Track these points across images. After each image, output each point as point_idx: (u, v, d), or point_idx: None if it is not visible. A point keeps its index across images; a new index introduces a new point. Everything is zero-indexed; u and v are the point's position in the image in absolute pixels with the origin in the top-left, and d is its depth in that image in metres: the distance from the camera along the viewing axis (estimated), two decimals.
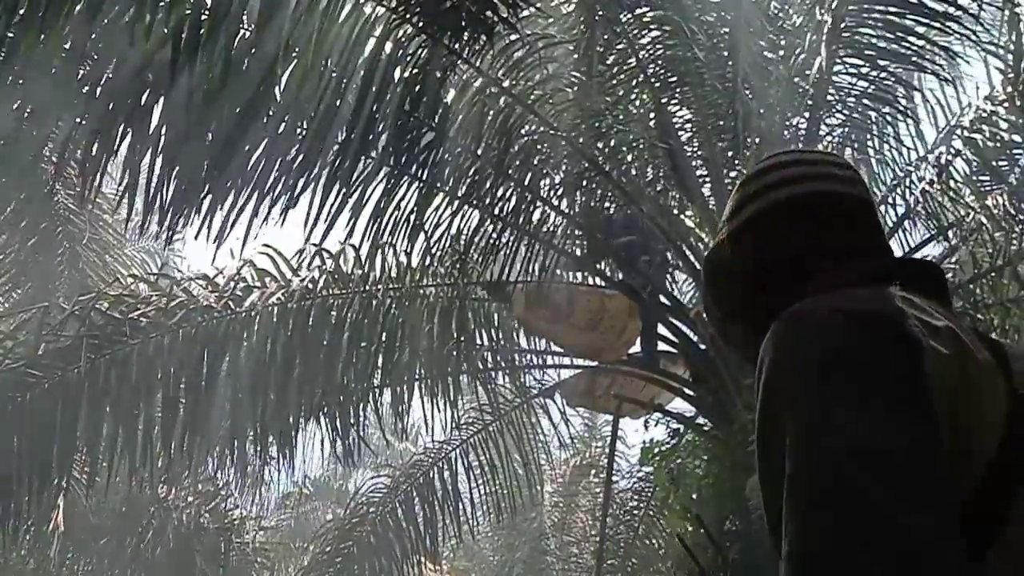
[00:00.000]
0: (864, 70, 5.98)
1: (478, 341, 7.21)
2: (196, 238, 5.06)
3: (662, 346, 6.39)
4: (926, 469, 0.88)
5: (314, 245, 6.54)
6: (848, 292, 1.05)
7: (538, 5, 5.22)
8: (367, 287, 6.70)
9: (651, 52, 6.10)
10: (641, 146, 6.27)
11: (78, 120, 4.90)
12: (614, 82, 6.22)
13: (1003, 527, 0.94)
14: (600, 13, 5.91)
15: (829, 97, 6.05)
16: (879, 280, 1.07)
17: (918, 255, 6.45)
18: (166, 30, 3.98)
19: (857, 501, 0.86)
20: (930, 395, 0.92)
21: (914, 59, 5.76)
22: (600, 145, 6.17)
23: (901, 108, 6.23)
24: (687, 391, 6.39)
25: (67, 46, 4.33)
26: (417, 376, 7.16)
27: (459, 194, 5.81)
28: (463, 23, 4.95)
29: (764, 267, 1.22)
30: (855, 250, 1.18)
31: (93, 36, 4.27)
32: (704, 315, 1.38)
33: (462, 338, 6.88)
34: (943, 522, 0.86)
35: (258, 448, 7.29)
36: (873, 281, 1.07)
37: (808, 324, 1.00)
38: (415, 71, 5.08)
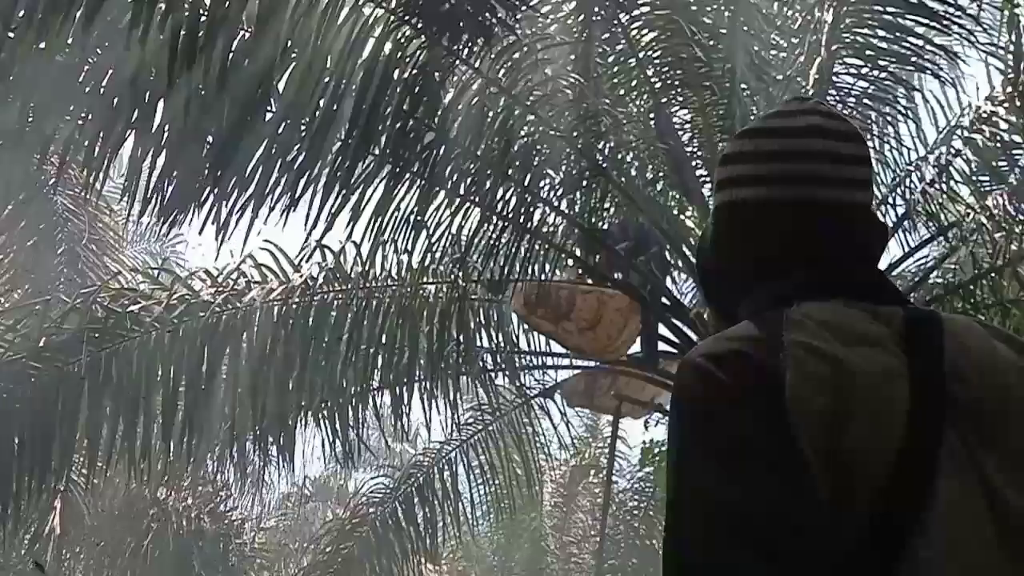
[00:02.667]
0: (864, 70, 5.98)
1: (478, 342, 7.21)
2: (201, 232, 5.06)
3: (662, 346, 6.39)
4: (779, 527, 0.89)
5: (315, 242, 6.54)
6: (743, 325, 1.04)
7: (537, 5, 5.22)
8: (367, 284, 6.71)
9: (651, 52, 6.10)
10: (641, 146, 6.27)
11: (79, 121, 4.90)
12: (614, 82, 6.22)
13: (911, 539, 0.91)
14: (598, 14, 5.91)
15: (829, 97, 6.04)
16: (798, 295, 1.05)
17: (918, 255, 6.45)
18: (163, 34, 3.98)
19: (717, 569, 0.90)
20: (789, 440, 0.91)
21: (914, 59, 5.76)
22: (600, 145, 6.17)
23: (901, 108, 6.23)
24: None
25: (67, 46, 4.33)
26: (417, 376, 7.16)
27: (459, 194, 5.81)
28: (462, 24, 4.95)
29: (706, 277, 1.25)
30: (787, 262, 1.11)
31: (94, 36, 4.27)
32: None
33: (462, 338, 6.88)
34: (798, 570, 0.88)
35: (258, 448, 7.29)
36: (788, 300, 1.05)
37: (679, 379, 1.02)
38: (415, 71, 5.07)
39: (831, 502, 0.91)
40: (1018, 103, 5.52)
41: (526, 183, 5.95)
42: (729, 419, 0.95)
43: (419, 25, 4.94)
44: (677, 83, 6.25)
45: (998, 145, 5.78)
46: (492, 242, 6.09)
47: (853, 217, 1.12)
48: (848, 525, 0.91)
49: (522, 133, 5.86)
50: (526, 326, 7.17)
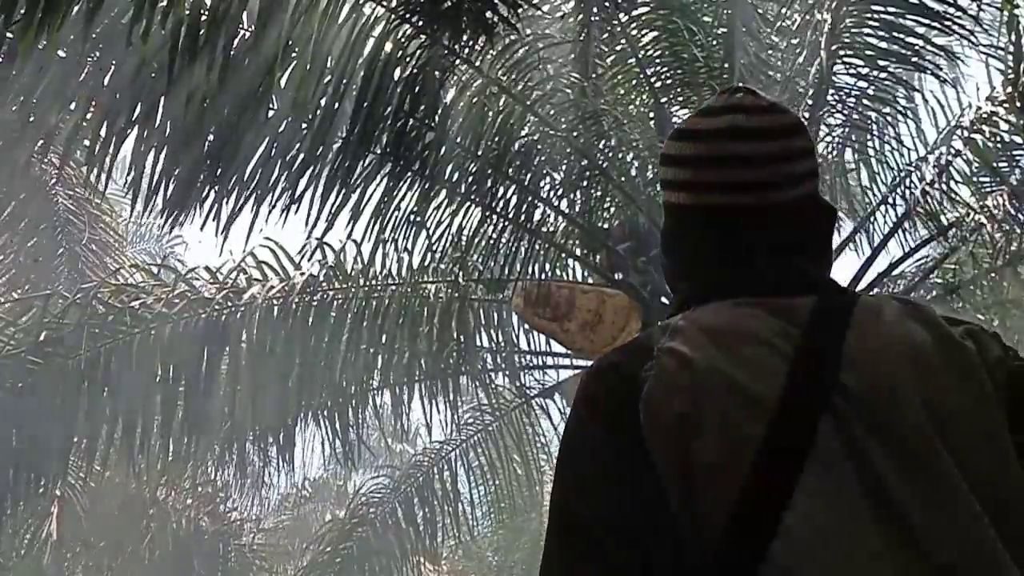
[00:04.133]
0: (864, 70, 5.98)
1: (478, 342, 7.22)
2: (203, 227, 5.06)
3: None
4: (619, 541, 0.93)
5: (316, 239, 6.55)
6: (641, 334, 1.10)
7: (537, 4, 5.22)
8: (367, 284, 6.71)
9: (651, 52, 6.10)
10: (641, 146, 6.27)
11: (80, 121, 4.90)
12: (614, 82, 6.23)
13: (758, 564, 0.89)
14: (597, 14, 5.92)
15: (829, 97, 6.04)
16: (705, 297, 1.08)
17: (918, 255, 6.45)
18: (164, 31, 3.98)
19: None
20: (641, 450, 0.94)
21: (914, 60, 5.76)
22: (600, 145, 6.17)
23: (901, 108, 6.23)
24: None
25: (67, 46, 4.33)
26: (417, 376, 7.16)
27: (459, 193, 5.81)
28: (463, 23, 4.95)
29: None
30: (698, 265, 1.15)
31: (94, 35, 4.27)
32: None
33: (462, 338, 6.88)
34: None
35: (258, 448, 7.29)
36: (696, 299, 1.08)
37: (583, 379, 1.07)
38: (415, 71, 5.08)
39: (688, 511, 0.91)
40: (1018, 103, 5.52)
41: (526, 183, 5.95)
42: (588, 431, 0.99)
43: (419, 24, 4.94)
44: (677, 83, 6.25)
45: (998, 145, 5.78)
46: (492, 242, 6.09)
47: (765, 216, 1.10)
48: (706, 535, 0.90)
49: (522, 133, 5.86)
50: (526, 326, 7.17)
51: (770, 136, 1.12)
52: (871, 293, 6.33)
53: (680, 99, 6.38)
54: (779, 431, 0.92)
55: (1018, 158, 5.89)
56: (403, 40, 5.02)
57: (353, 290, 6.80)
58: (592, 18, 5.93)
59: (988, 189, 5.94)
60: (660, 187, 1.20)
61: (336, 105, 4.90)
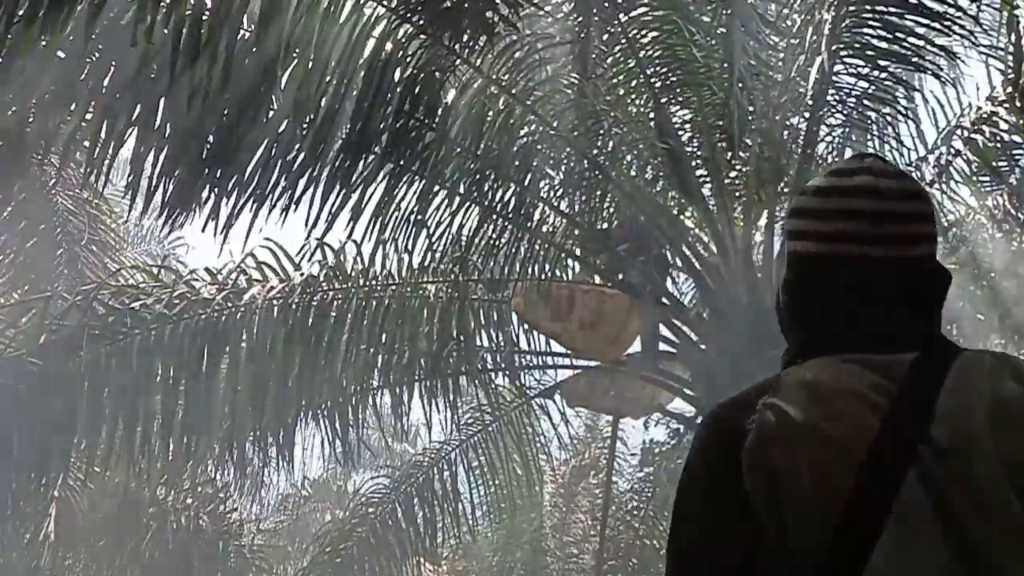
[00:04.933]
0: (864, 70, 5.98)
1: (478, 342, 7.22)
2: (204, 229, 5.06)
3: (662, 346, 6.39)
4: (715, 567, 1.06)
5: (316, 239, 6.55)
6: (751, 387, 1.17)
7: (538, 4, 5.22)
8: (367, 284, 6.71)
9: (651, 52, 6.10)
10: (641, 146, 6.27)
11: (80, 122, 4.90)
12: (614, 82, 6.23)
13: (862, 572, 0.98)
14: (597, 14, 5.92)
15: (829, 97, 6.05)
16: (810, 352, 1.17)
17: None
18: (165, 32, 3.98)
19: None
20: (738, 491, 1.04)
21: (914, 60, 5.76)
22: (600, 145, 6.17)
23: (901, 108, 6.23)
24: (687, 391, 6.39)
25: (68, 46, 4.33)
26: (417, 376, 7.16)
27: (459, 193, 5.82)
28: (463, 23, 4.95)
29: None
30: (809, 315, 1.23)
31: (95, 36, 4.27)
32: None
33: (462, 338, 6.89)
34: None
35: (258, 448, 7.29)
36: (801, 355, 1.18)
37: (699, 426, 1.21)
38: (415, 71, 5.08)
39: (784, 554, 1.02)
40: (1018, 103, 5.53)
41: (526, 183, 5.95)
42: (697, 482, 1.12)
43: (420, 24, 4.94)
44: (677, 83, 6.25)
45: (998, 145, 5.79)
46: (492, 242, 6.10)
47: (886, 269, 1.18)
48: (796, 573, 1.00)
49: (522, 133, 5.86)
50: (526, 326, 7.18)
51: (897, 197, 1.21)
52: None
53: (680, 99, 6.38)
54: (867, 481, 1.01)
55: (1018, 158, 5.90)
56: (403, 40, 5.02)
57: (353, 290, 6.80)
58: (592, 18, 5.93)
59: (988, 189, 5.95)
60: (788, 238, 1.27)
61: (336, 105, 4.90)
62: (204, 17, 4.13)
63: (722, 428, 1.12)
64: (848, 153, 6.71)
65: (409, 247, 5.89)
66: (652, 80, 6.17)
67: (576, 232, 6.43)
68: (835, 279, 1.20)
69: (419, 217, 5.74)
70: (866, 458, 1.02)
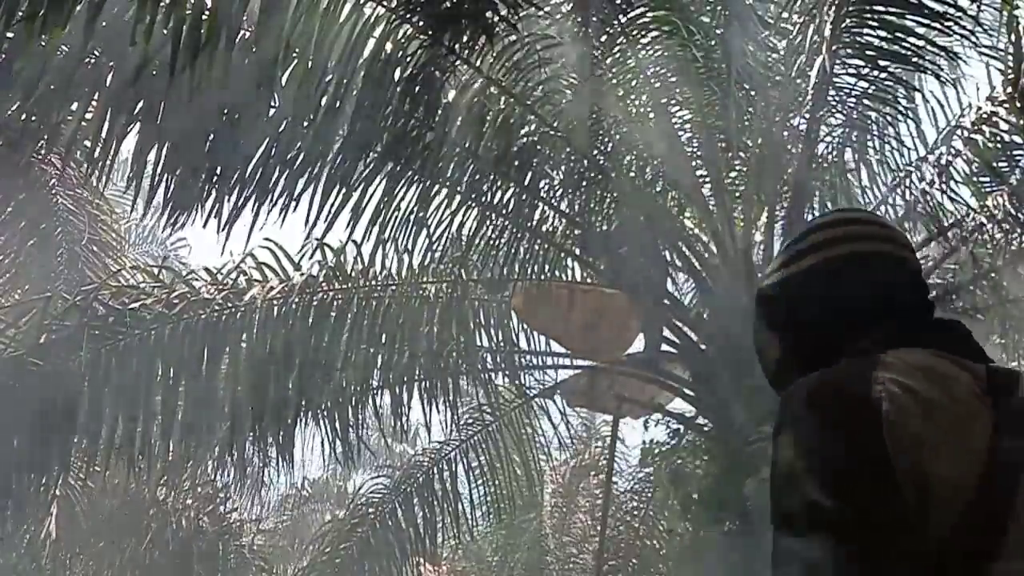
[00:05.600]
0: (864, 70, 5.98)
1: (478, 342, 7.21)
2: (205, 226, 5.07)
3: (662, 346, 6.39)
4: (874, 530, 1.04)
5: (316, 239, 6.55)
6: (844, 364, 1.21)
7: (538, 4, 5.22)
8: (367, 284, 6.71)
9: (651, 52, 6.10)
10: (641, 146, 6.27)
11: (81, 121, 4.90)
12: (614, 82, 6.23)
13: (990, 564, 1.03)
14: (596, 14, 5.91)
15: (829, 97, 6.05)
16: (890, 343, 1.20)
17: (918, 255, 6.44)
18: (165, 31, 3.98)
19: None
20: (884, 455, 1.06)
21: (914, 60, 5.75)
22: (600, 145, 6.17)
23: (901, 108, 6.23)
24: (687, 391, 6.39)
25: (69, 46, 4.33)
26: (417, 376, 7.16)
27: (459, 193, 5.82)
28: (463, 23, 4.95)
29: (801, 327, 1.36)
30: (880, 311, 1.29)
31: (96, 35, 4.27)
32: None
33: (462, 338, 6.89)
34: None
35: (257, 448, 7.28)
36: (883, 345, 1.21)
37: (797, 402, 1.18)
38: (415, 71, 5.08)
39: (923, 517, 1.05)
40: (1018, 103, 5.52)
41: (526, 183, 5.95)
42: (836, 439, 1.12)
43: (420, 24, 4.94)
44: (677, 83, 6.25)
45: (998, 145, 5.78)
46: (492, 242, 6.10)
47: (922, 278, 1.35)
48: (938, 537, 1.04)
49: (522, 133, 5.86)
50: (526, 326, 7.17)
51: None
52: None
53: (680, 99, 6.39)
54: (994, 467, 1.07)
55: (1018, 158, 5.89)
56: (403, 40, 5.02)
57: (353, 290, 6.80)
58: (592, 18, 5.93)
59: (988, 189, 5.95)
60: (853, 243, 1.34)
61: (336, 105, 4.90)
62: (204, 17, 4.13)
63: (849, 396, 1.14)
64: (848, 153, 6.72)
65: (409, 247, 5.90)
66: (652, 80, 6.17)
67: (576, 232, 6.43)
68: (909, 279, 1.33)
69: (419, 216, 5.74)
70: (989, 444, 1.08)
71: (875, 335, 1.25)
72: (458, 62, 5.26)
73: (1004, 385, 1.16)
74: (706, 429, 6.31)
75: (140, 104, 4.76)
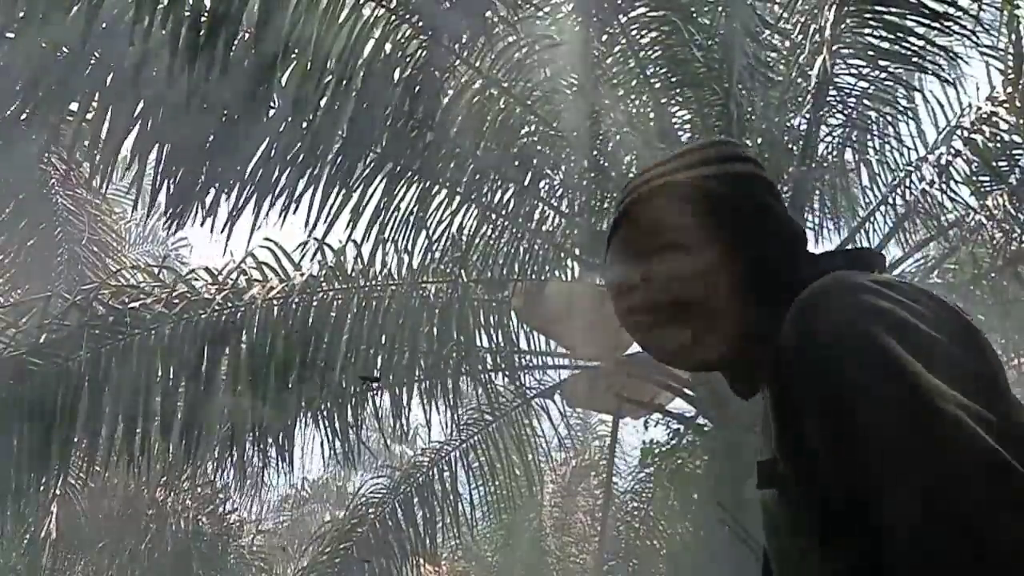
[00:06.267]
0: (864, 70, 5.98)
1: (478, 342, 7.21)
2: (203, 224, 5.07)
3: None
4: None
5: (315, 239, 6.54)
6: (850, 273, 1.02)
7: (537, 4, 5.22)
8: (367, 284, 6.71)
9: (651, 52, 6.10)
10: (641, 146, 6.27)
11: (81, 121, 4.90)
12: (614, 82, 6.23)
13: None
14: (596, 15, 5.92)
15: (829, 97, 6.04)
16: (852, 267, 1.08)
17: (918, 255, 6.45)
18: (165, 31, 3.98)
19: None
20: (979, 352, 0.95)
21: (914, 59, 5.75)
22: (600, 145, 6.17)
23: (901, 108, 6.23)
24: (687, 391, 6.39)
25: (68, 45, 4.33)
26: (417, 376, 7.15)
27: (459, 193, 5.82)
28: (463, 24, 4.96)
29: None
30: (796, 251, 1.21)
31: (95, 35, 4.27)
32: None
33: (462, 338, 6.88)
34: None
35: (257, 448, 7.28)
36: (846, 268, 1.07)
37: (851, 303, 0.96)
38: (415, 71, 5.08)
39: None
40: (1018, 103, 5.52)
41: (526, 183, 5.95)
42: (925, 332, 0.92)
43: (419, 24, 4.94)
44: (677, 83, 6.25)
45: (998, 145, 5.78)
46: (492, 242, 6.10)
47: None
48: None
49: (522, 133, 5.86)
50: (526, 326, 7.17)
51: None
52: None
53: (680, 99, 6.38)
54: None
55: (1018, 158, 5.89)
56: (403, 40, 5.02)
57: (353, 290, 6.79)
58: (592, 18, 5.93)
59: (988, 189, 5.94)
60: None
61: (336, 105, 4.90)
62: (203, 17, 4.14)
63: (905, 291, 0.97)
64: (848, 153, 6.72)
65: (409, 247, 5.90)
66: (652, 80, 6.17)
67: (576, 232, 6.43)
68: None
69: (419, 216, 5.74)
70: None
71: (831, 259, 1.13)
72: (458, 62, 5.26)
73: None
74: (706, 429, 6.31)
75: (140, 104, 4.76)
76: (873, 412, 0.89)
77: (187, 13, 4.06)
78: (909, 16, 5.52)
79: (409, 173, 5.58)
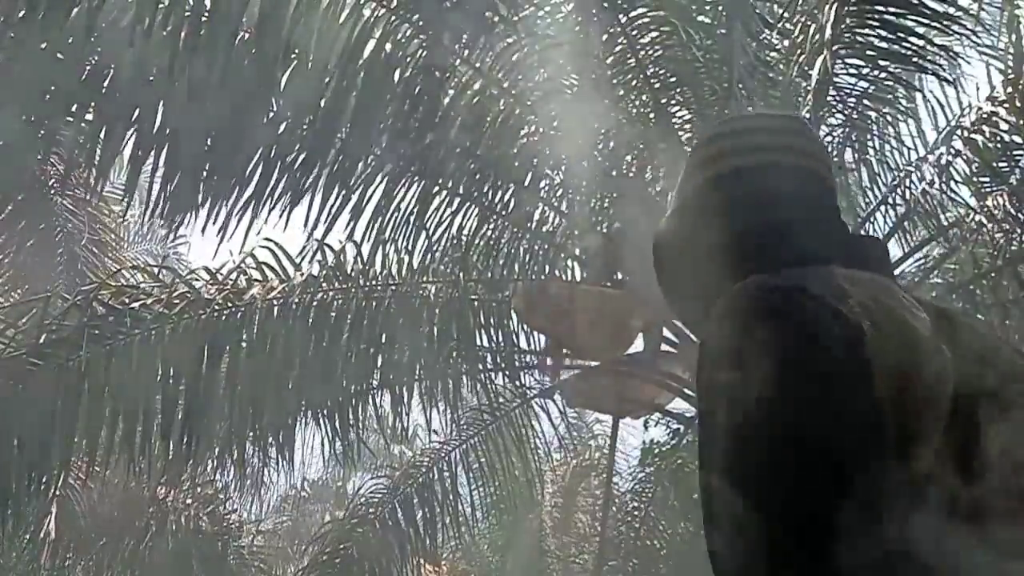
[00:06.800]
0: (864, 70, 5.98)
1: (478, 342, 7.21)
2: (203, 230, 5.07)
3: (662, 346, 6.39)
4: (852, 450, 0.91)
5: (316, 240, 6.54)
6: (793, 271, 1.03)
7: (537, 4, 5.22)
8: (367, 284, 6.71)
9: (651, 52, 6.10)
10: (641, 146, 6.27)
11: (81, 122, 4.90)
12: (614, 82, 6.22)
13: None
14: (596, 15, 5.91)
15: (829, 97, 6.04)
16: (823, 259, 1.07)
17: (918, 255, 6.45)
18: (165, 32, 3.99)
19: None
20: (869, 380, 0.93)
21: (914, 59, 5.75)
22: (600, 145, 6.17)
23: (901, 108, 6.23)
24: (687, 391, 6.39)
25: (69, 46, 4.33)
26: (417, 376, 7.15)
27: (459, 194, 5.82)
28: (463, 24, 4.96)
29: (711, 244, 1.22)
30: (802, 227, 1.16)
31: (96, 36, 4.27)
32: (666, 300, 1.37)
33: (462, 338, 6.88)
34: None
35: (257, 448, 7.28)
36: (817, 261, 1.07)
37: (748, 304, 1.00)
38: (415, 71, 5.08)
39: (903, 434, 0.93)
40: (1018, 103, 5.52)
41: (526, 183, 5.95)
42: (812, 353, 0.95)
43: (419, 24, 4.94)
44: (677, 83, 6.25)
45: (998, 145, 5.78)
46: (492, 242, 6.10)
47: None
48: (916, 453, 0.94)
49: (522, 133, 5.86)
50: (526, 326, 7.16)
51: None
52: None
53: (680, 99, 6.38)
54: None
55: (1018, 158, 5.89)
56: (403, 40, 5.02)
57: (353, 290, 6.79)
58: (592, 18, 5.93)
59: (988, 189, 5.94)
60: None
61: (336, 105, 4.90)
62: (204, 17, 4.14)
63: (819, 306, 0.98)
64: (848, 153, 6.72)
65: (409, 247, 5.90)
66: (652, 80, 6.17)
67: (576, 232, 6.43)
68: (812, 194, 1.23)
69: (419, 216, 5.74)
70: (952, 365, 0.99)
71: (792, 251, 1.12)
72: (458, 62, 5.26)
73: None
74: None
75: (140, 104, 4.76)
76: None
77: (187, 13, 4.06)
78: (909, 16, 5.52)
79: (409, 173, 5.59)
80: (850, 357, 0.93)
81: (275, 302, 6.66)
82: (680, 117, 6.51)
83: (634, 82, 6.27)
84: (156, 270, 7.56)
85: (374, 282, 6.75)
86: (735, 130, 1.29)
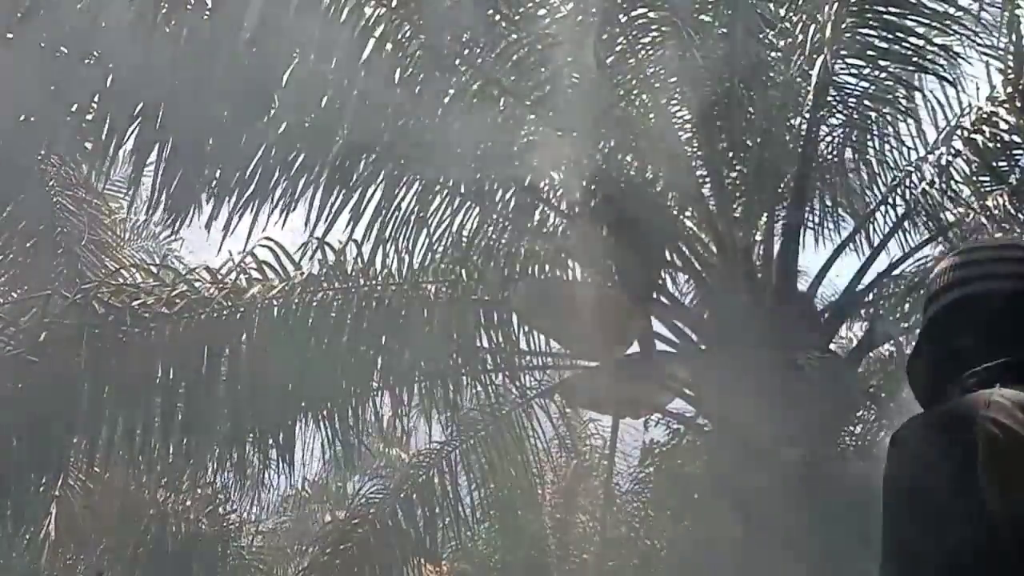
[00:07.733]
0: (864, 70, 5.98)
1: (478, 342, 7.21)
2: (203, 227, 5.07)
3: (661, 346, 6.39)
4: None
5: (316, 239, 6.54)
6: (954, 401, 1.26)
7: (538, 4, 5.22)
8: (367, 283, 6.71)
9: (651, 52, 6.09)
10: (641, 146, 6.27)
11: (81, 121, 4.90)
12: (614, 82, 6.22)
13: None
14: (597, 15, 5.91)
15: (829, 97, 6.04)
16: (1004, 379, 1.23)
17: (918, 256, 6.45)
18: (168, 29, 3.99)
19: None
20: (979, 490, 1.09)
21: (914, 59, 5.75)
22: (600, 145, 6.17)
23: (901, 108, 6.23)
24: (687, 391, 6.39)
25: (69, 45, 4.33)
26: (417, 376, 7.15)
27: (459, 193, 5.82)
28: (463, 23, 4.96)
29: (930, 364, 1.40)
30: (997, 347, 1.30)
31: (96, 36, 4.28)
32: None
33: (462, 338, 6.88)
34: None
35: (257, 449, 7.28)
36: (996, 381, 1.23)
37: (906, 438, 1.25)
38: (416, 71, 5.08)
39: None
40: (1018, 103, 5.52)
41: (526, 183, 5.95)
42: (934, 476, 1.17)
43: (420, 24, 4.95)
44: (677, 83, 6.25)
45: (998, 145, 5.78)
46: (492, 242, 6.10)
47: None
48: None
49: (522, 133, 5.86)
50: (526, 326, 7.16)
51: None
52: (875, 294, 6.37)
53: (680, 99, 6.38)
54: None
55: (1018, 158, 5.89)
56: (403, 40, 5.03)
57: (353, 290, 6.79)
58: (592, 18, 5.93)
59: (988, 189, 5.94)
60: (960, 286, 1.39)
61: (336, 105, 4.91)
62: (204, 17, 4.14)
63: (948, 435, 1.19)
64: (848, 153, 6.72)
65: (409, 247, 5.90)
66: (652, 80, 6.17)
67: (576, 232, 6.43)
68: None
69: (419, 216, 5.74)
70: None
71: (984, 372, 1.28)
72: (458, 62, 5.27)
73: None
74: (706, 429, 6.31)
75: (139, 105, 4.76)
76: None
77: (189, 12, 4.07)
78: (909, 16, 5.53)
79: (409, 173, 5.59)
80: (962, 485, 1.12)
81: (275, 302, 6.66)
82: (680, 117, 6.51)
83: (634, 82, 6.27)
84: (156, 269, 7.55)
85: (374, 282, 6.75)
86: (969, 261, 1.42)
